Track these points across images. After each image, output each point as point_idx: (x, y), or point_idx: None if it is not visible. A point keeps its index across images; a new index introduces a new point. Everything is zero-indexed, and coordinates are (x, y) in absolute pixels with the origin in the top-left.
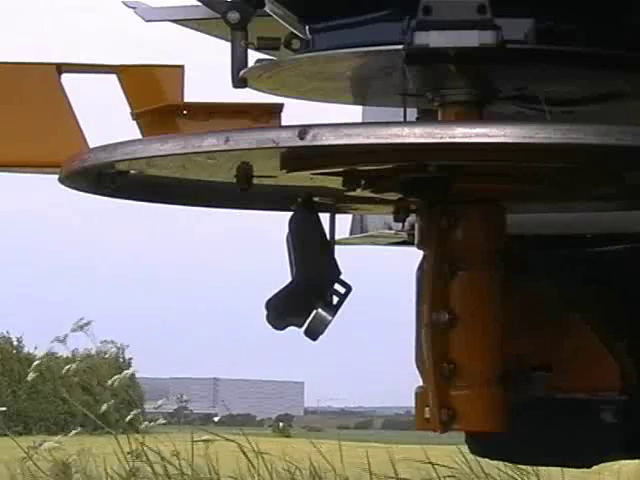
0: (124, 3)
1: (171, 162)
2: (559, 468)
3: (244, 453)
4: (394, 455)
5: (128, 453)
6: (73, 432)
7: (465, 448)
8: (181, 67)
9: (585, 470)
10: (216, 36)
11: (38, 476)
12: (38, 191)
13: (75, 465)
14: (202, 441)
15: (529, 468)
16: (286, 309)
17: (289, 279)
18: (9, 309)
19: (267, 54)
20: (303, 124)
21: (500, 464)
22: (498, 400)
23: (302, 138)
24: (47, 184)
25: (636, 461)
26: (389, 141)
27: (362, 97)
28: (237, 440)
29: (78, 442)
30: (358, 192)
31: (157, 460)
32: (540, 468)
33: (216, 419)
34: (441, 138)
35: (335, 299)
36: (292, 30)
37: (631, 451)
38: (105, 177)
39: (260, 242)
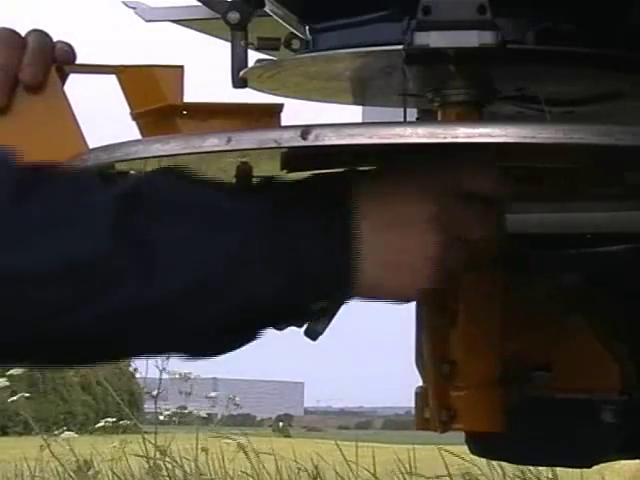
0: (124, 3)
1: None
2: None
3: (245, 453)
4: (397, 455)
5: (156, 447)
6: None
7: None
8: (181, 67)
9: (585, 470)
10: (216, 36)
11: (55, 474)
12: None
13: (94, 463)
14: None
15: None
16: None
17: None
18: None
19: (267, 54)
20: (305, 124)
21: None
22: (498, 400)
23: (304, 138)
24: None
25: (636, 461)
26: (392, 141)
27: (362, 97)
28: (238, 440)
29: (84, 441)
30: None
31: (172, 460)
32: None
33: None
34: (444, 138)
35: None
36: (292, 30)
37: (631, 451)
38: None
39: None
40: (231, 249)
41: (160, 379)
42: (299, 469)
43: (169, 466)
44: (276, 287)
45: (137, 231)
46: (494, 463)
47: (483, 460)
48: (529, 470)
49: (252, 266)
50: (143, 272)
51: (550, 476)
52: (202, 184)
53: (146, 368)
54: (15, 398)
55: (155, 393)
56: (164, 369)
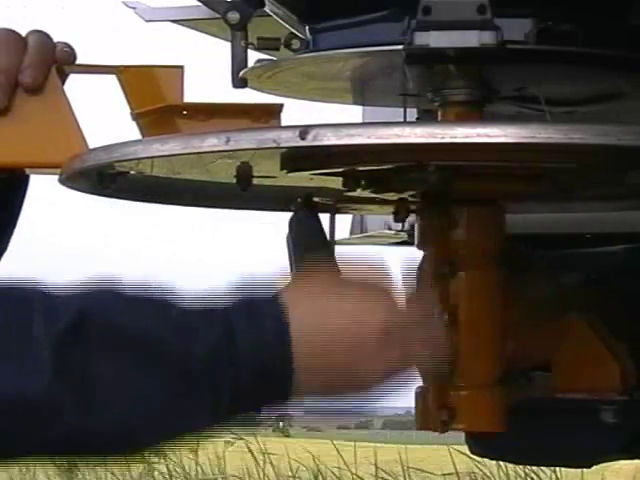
0: (124, 3)
1: (176, 162)
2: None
3: (251, 451)
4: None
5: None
6: None
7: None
8: (181, 67)
9: (585, 470)
10: (216, 36)
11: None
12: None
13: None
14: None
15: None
16: None
17: None
18: None
19: (267, 54)
20: (304, 124)
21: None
22: (498, 400)
23: (303, 138)
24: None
25: (636, 461)
26: (390, 141)
27: (362, 97)
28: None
29: None
30: (358, 192)
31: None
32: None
33: None
34: (442, 138)
35: None
36: (292, 30)
37: (631, 451)
38: (105, 178)
39: (261, 241)
40: (167, 384)
41: None
42: (298, 469)
43: (169, 466)
44: (216, 414)
45: (76, 367)
46: (501, 463)
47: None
48: (532, 470)
49: (188, 400)
50: (81, 408)
51: (553, 477)
52: (142, 308)
53: None
54: None
55: None
56: None
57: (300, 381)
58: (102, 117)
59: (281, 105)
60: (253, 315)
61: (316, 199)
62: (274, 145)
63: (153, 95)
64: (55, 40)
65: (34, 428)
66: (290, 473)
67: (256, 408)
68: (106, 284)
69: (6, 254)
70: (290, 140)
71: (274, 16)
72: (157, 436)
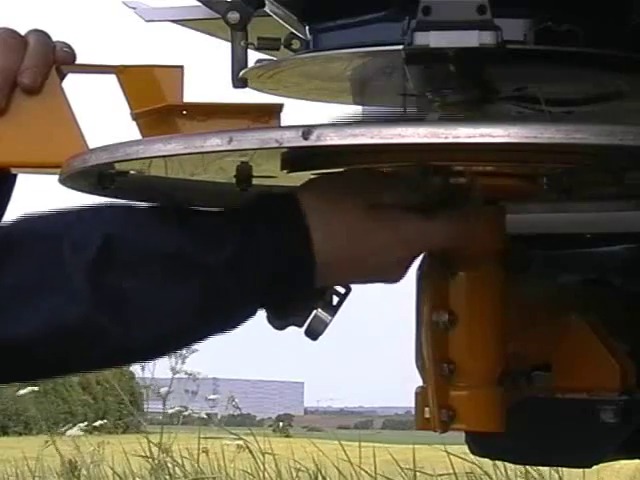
0: (124, 3)
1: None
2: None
3: (251, 452)
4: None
5: (156, 446)
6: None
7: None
8: (181, 67)
9: (585, 470)
10: (216, 36)
11: (47, 474)
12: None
13: (85, 463)
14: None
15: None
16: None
17: None
18: None
19: (267, 54)
20: (307, 124)
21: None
22: (498, 400)
23: (306, 138)
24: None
25: (636, 461)
26: (393, 141)
27: (362, 97)
28: (238, 442)
29: (84, 440)
30: None
31: (177, 459)
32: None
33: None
34: (445, 138)
35: (335, 299)
36: (292, 30)
37: (631, 451)
38: (106, 178)
39: None
40: (196, 293)
41: (172, 379)
42: (299, 469)
43: (170, 465)
44: (250, 312)
45: (111, 289)
46: (498, 463)
47: (484, 460)
48: (532, 470)
49: (218, 306)
50: (122, 328)
51: (556, 476)
52: (162, 223)
53: (148, 368)
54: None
55: (160, 392)
56: (174, 370)
57: (322, 276)
58: (102, 117)
59: (281, 105)
60: (271, 219)
61: None
62: (277, 145)
63: (153, 95)
64: (55, 40)
65: (80, 352)
66: (290, 473)
67: (284, 308)
68: (123, 205)
69: None
70: (293, 140)
71: (274, 16)
72: (191, 342)
